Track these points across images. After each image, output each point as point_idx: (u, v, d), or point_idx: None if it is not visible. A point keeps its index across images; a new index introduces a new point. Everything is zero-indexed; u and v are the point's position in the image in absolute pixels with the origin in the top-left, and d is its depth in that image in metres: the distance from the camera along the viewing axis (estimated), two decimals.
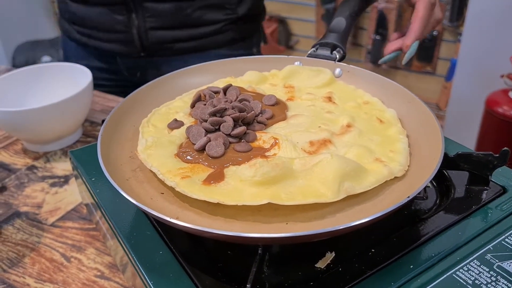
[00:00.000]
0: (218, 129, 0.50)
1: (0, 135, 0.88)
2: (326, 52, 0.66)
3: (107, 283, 0.55)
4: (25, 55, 2.92)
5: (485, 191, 0.49)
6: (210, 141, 0.48)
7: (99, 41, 0.99)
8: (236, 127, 0.50)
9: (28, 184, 0.74)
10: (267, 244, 0.43)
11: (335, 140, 0.50)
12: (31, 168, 0.78)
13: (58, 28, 3.34)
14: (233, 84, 0.59)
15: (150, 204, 0.44)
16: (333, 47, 0.66)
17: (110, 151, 0.51)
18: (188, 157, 0.48)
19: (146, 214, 0.49)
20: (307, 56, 0.67)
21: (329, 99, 0.59)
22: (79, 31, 1.01)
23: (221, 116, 0.51)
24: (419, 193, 0.40)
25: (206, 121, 0.50)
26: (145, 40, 0.95)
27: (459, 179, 0.51)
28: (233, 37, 1.00)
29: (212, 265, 0.43)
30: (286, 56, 0.68)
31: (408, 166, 0.48)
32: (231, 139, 0.49)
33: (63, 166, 0.78)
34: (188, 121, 0.55)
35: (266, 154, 0.47)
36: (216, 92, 0.58)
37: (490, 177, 0.50)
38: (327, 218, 0.42)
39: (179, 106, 0.59)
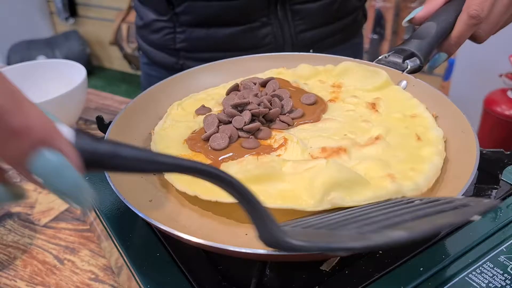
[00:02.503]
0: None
1: None
2: (397, 59, 0.57)
3: (101, 286, 0.53)
4: (20, 55, 2.90)
5: (495, 190, 0.48)
6: (217, 132, 0.46)
7: None
8: (253, 122, 0.47)
9: (20, 184, 0.71)
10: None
11: (353, 150, 0.44)
12: None
13: (53, 29, 3.32)
14: (281, 77, 0.56)
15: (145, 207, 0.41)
16: (409, 56, 0.57)
17: None
18: (193, 145, 0.47)
19: None
20: (375, 62, 0.60)
21: (373, 105, 0.53)
22: (202, 58, 0.83)
23: (242, 110, 0.48)
24: None
25: None
26: (294, 46, 0.85)
27: None
28: (362, 23, 0.97)
29: (212, 268, 0.41)
30: (352, 59, 0.61)
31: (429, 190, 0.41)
32: (242, 134, 0.47)
33: None
34: (216, 109, 0.53)
35: (271, 153, 0.45)
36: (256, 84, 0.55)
37: (500, 175, 0.48)
38: None
39: (219, 93, 0.57)
